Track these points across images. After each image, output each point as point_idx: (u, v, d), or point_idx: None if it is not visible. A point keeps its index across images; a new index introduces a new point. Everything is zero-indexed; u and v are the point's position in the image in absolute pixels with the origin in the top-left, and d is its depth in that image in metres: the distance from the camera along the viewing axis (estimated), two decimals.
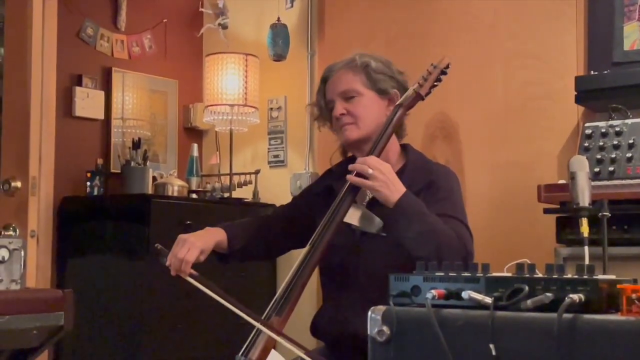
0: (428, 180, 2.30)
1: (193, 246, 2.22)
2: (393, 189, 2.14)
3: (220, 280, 2.19)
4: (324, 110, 2.42)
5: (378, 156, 2.22)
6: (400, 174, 2.29)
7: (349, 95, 2.34)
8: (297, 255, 2.22)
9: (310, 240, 2.21)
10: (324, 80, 2.43)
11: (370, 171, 2.14)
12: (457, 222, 2.21)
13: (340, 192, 2.22)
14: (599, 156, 2.76)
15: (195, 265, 2.23)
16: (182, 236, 2.26)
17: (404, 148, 2.44)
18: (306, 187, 2.72)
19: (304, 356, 1.99)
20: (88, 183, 3.88)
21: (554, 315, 1.33)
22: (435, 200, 2.23)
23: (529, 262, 1.48)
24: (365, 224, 2.22)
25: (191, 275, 2.19)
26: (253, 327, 2.11)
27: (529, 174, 3.32)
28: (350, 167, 2.19)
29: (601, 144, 2.79)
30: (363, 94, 2.34)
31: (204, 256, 2.28)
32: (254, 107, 4.09)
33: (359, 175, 2.17)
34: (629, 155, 2.72)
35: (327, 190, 2.39)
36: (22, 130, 3.65)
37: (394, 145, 2.37)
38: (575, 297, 1.35)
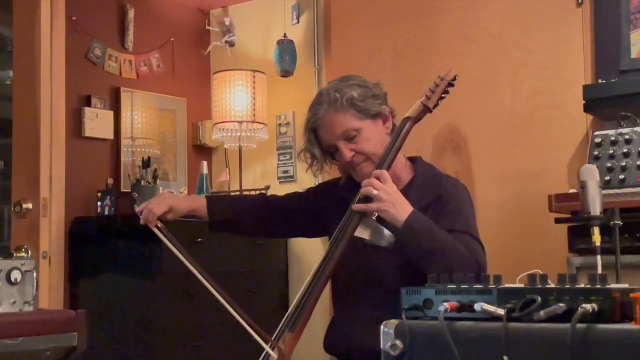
0: (437, 194, 2.29)
1: (164, 202, 2.35)
2: (400, 209, 2.13)
3: (231, 295, 2.19)
4: (320, 157, 2.37)
5: (387, 169, 2.21)
6: (408, 188, 2.29)
7: (351, 136, 2.29)
8: (310, 270, 2.22)
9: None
10: (313, 130, 2.36)
11: (375, 192, 2.13)
12: (468, 237, 2.19)
13: (351, 207, 2.21)
14: (609, 165, 2.75)
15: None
16: (162, 192, 2.34)
17: (414, 161, 2.43)
18: (318, 187, 2.68)
19: None
20: (99, 203, 3.88)
21: (568, 325, 1.33)
22: (445, 215, 2.22)
23: (541, 272, 1.47)
24: (376, 238, 2.21)
25: (157, 227, 2.29)
26: (266, 342, 2.12)
27: (540, 184, 3.31)
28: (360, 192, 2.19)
29: (611, 152, 2.78)
30: (361, 128, 2.30)
31: (173, 215, 2.37)
32: (262, 124, 4.10)
33: (365, 198, 2.16)
34: (639, 163, 2.71)
35: (340, 201, 2.37)
36: (33, 152, 3.66)
37: (400, 158, 2.35)
38: (589, 307, 1.34)
